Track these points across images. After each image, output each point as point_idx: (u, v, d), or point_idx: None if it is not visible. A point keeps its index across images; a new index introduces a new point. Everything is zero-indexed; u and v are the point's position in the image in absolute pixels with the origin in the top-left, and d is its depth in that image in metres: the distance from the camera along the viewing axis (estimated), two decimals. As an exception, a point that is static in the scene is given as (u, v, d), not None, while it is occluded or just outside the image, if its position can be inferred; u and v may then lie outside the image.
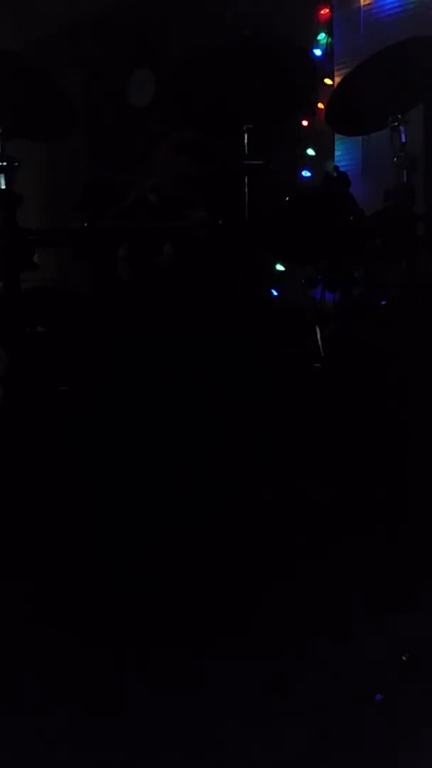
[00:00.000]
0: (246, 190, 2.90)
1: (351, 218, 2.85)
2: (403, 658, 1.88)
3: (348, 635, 1.98)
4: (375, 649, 1.92)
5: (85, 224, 2.70)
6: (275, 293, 3.80)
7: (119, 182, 2.89)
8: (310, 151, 4.21)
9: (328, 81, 4.10)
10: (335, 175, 2.96)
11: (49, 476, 2.50)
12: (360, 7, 4.18)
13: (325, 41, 4.27)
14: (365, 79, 2.78)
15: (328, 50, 4.26)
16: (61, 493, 2.48)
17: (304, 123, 4.14)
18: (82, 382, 2.62)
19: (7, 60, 2.62)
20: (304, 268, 3.10)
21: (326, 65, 4.18)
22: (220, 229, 2.72)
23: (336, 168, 3.18)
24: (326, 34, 4.27)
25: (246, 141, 2.94)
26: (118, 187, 2.89)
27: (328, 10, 4.30)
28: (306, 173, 4.18)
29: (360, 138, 3.87)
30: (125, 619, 2.09)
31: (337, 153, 4.19)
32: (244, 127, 2.94)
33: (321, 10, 4.31)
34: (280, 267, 3.77)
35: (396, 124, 2.76)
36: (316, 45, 4.27)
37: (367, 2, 4.15)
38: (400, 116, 2.76)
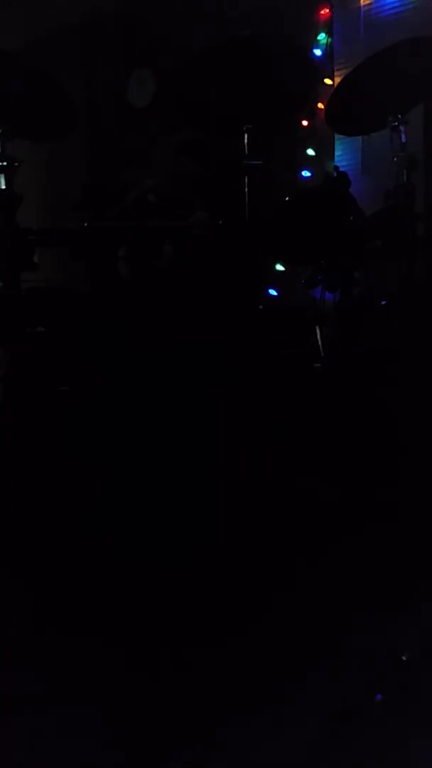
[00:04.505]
0: (246, 190, 2.90)
1: (351, 218, 2.86)
2: (403, 658, 1.88)
3: (349, 635, 1.98)
4: (376, 649, 1.92)
5: (85, 224, 2.70)
6: (275, 293, 3.79)
7: (119, 182, 2.89)
8: (310, 151, 4.21)
9: (328, 81, 4.10)
10: (335, 175, 2.96)
11: (49, 476, 2.50)
12: (360, 7, 4.18)
13: (325, 41, 4.27)
14: (365, 79, 2.78)
15: (328, 50, 4.26)
16: (61, 492, 2.48)
17: (304, 123, 4.14)
18: (82, 382, 2.62)
19: (7, 60, 2.62)
20: (304, 268, 3.10)
21: (326, 65, 4.18)
22: (220, 229, 2.72)
23: (336, 168, 3.19)
24: (326, 34, 4.27)
25: (246, 141, 2.93)
26: (118, 187, 2.89)
27: (328, 10, 4.30)
28: (306, 173, 4.18)
29: (360, 138, 3.87)
30: (126, 620, 2.09)
31: (337, 153, 4.19)
32: (244, 127, 2.94)
33: (321, 10, 4.30)
34: (280, 267, 3.77)
35: (396, 124, 2.77)
36: (316, 45, 4.26)
37: (367, 2, 4.15)
38: (400, 116, 2.77)
